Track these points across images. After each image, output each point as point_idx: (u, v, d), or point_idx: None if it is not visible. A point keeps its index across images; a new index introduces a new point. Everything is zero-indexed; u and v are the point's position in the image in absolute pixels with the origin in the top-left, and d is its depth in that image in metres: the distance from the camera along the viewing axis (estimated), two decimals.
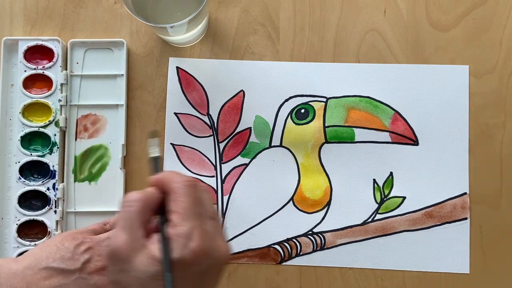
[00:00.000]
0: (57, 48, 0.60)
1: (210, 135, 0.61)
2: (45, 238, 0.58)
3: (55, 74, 0.60)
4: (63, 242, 0.46)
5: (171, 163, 0.60)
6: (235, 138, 0.60)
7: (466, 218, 0.59)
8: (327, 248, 0.59)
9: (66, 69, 0.61)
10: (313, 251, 0.59)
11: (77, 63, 0.61)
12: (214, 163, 0.60)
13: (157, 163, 0.43)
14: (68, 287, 0.44)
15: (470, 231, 0.59)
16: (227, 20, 0.62)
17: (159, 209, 0.39)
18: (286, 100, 0.61)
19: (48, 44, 0.60)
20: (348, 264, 0.59)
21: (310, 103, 0.60)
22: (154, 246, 0.36)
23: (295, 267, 0.59)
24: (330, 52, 0.61)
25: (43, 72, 0.60)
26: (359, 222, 0.59)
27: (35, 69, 0.60)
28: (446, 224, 0.59)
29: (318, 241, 0.59)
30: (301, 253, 0.59)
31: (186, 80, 0.61)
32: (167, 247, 0.35)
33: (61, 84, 0.60)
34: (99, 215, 0.60)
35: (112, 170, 0.60)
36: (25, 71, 0.60)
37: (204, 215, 0.38)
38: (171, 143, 0.60)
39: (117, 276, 0.37)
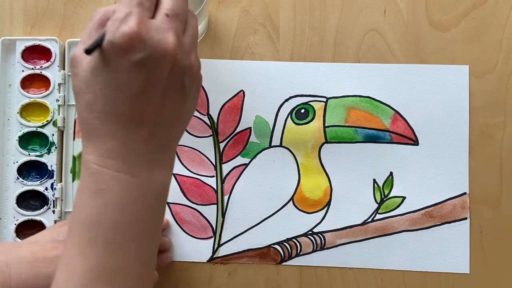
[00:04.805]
0: (54, 48, 0.60)
1: (210, 135, 0.61)
2: None
3: (53, 74, 0.60)
4: (62, 226, 0.50)
5: None
6: (235, 138, 0.60)
7: (466, 218, 0.59)
8: (327, 248, 0.59)
9: (64, 69, 0.61)
10: (313, 251, 0.59)
11: None
12: (214, 163, 0.60)
13: None
14: None
15: (470, 231, 0.59)
16: (227, 20, 0.62)
17: None
18: (286, 100, 0.61)
19: (46, 44, 0.60)
20: (348, 264, 0.59)
21: (310, 103, 0.60)
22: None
23: (295, 267, 0.59)
24: (330, 52, 0.61)
25: (41, 72, 0.60)
26: (359, 222, 0.59)
27: (32, 69, 0.60)
28: (446, 224, 0.59)
29: (318, 241, 0.59)
30: (301, 253, 0.59)
31: None
32: (102, 36, 0.33)
33: (59, 84, 0.60)
34: None
35: None
36: (22, 71, 0.60)
37: (159, 10, 0.35)
38: None
39: (74, 81, 0.35)
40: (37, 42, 0.60)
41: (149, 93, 0.34)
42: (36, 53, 0.61)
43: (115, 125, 0.34)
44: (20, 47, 0.60)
